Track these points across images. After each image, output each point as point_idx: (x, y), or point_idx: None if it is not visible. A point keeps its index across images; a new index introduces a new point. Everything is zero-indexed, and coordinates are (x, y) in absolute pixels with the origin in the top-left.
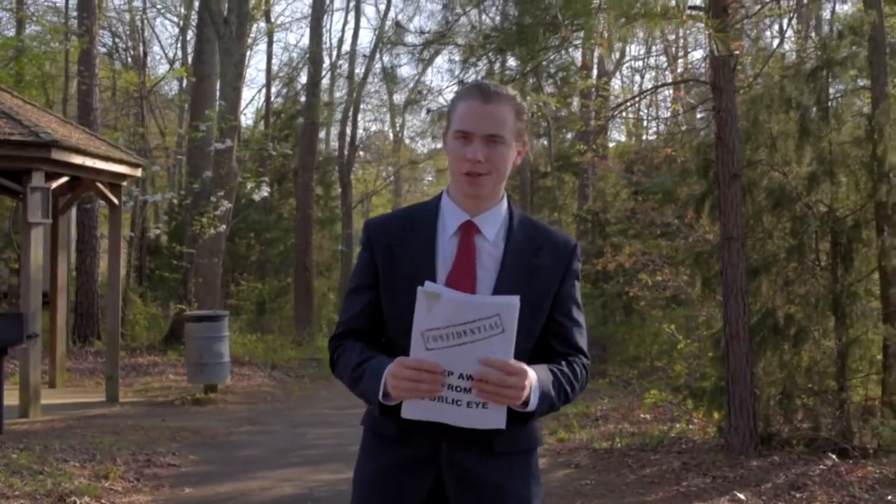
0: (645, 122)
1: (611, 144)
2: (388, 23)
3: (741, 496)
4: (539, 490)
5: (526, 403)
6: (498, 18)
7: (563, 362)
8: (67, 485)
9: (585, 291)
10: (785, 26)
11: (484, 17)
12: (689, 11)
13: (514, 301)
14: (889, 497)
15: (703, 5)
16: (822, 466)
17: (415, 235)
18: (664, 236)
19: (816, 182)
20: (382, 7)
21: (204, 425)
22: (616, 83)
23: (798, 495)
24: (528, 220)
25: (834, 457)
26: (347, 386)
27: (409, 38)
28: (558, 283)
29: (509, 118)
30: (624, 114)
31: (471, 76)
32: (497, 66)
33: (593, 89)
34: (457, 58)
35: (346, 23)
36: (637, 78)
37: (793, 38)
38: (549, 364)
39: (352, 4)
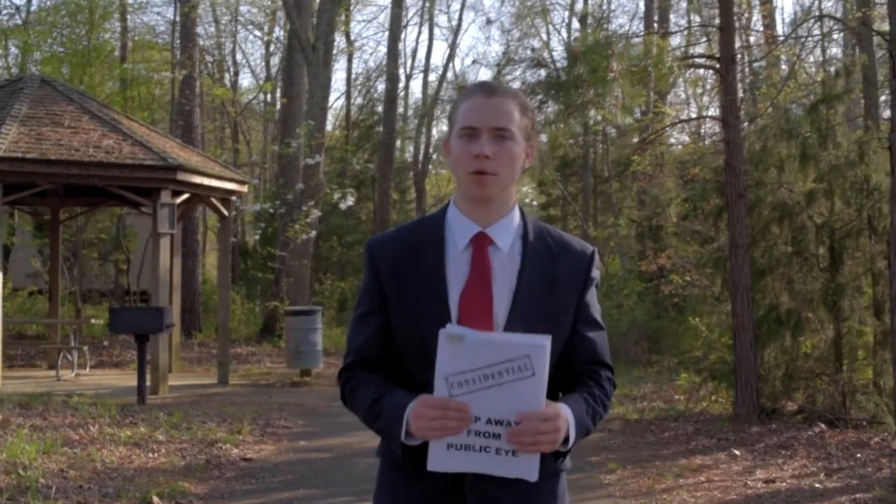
0: (690, 141)
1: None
2: (460, 35)
3: (736, 452)
4: None
5: (566, 441)
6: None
7: (591, 382)
8: (213, 436)
9: (639, 290)
10: (794, 64)
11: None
12: (699, 61)
13: (545, 341)
14: (858, 455)
15: (715, 55)
16: (810, 433)
17: (421, 253)
18: (705, 242)
19: (815, 198)
20: (455, 18)
21: (305, 401)
22: (680, 92)
23: (784, 452)
24: (543, 226)
25: (823, 426)
26: (363, 421)
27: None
28: (578, 293)
29: (515, 112)
30: (666, 133)
31: None
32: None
33: (651, 105)
34: None
35: (419, 33)
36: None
37: (799, 75)
38: (579, 389)
39: (425, 19)
